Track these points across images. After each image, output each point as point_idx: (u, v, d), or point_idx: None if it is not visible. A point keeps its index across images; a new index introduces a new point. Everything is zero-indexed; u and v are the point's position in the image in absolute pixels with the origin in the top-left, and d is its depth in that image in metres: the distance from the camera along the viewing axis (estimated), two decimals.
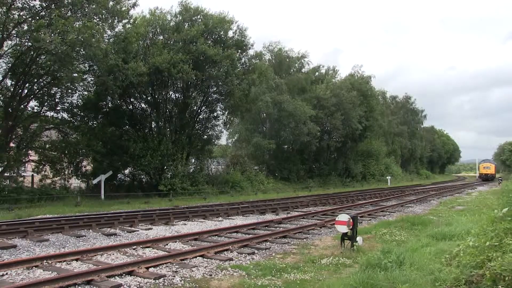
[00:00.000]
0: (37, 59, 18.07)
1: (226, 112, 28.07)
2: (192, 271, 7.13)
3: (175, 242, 9.73)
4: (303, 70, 42.02)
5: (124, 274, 6.71)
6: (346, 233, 8.83)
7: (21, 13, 16.98)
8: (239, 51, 25.88)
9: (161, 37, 24.27)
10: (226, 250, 8.87)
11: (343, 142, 41.35)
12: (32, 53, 17.54)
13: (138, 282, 6.40)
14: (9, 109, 18.57)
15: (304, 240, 10.53)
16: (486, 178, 65.80)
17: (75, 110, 22.38)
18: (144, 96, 25.29)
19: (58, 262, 7.45)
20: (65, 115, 22.21)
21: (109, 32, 19.86)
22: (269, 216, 15.49)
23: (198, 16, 24.60)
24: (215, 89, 26.23)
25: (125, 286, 6.19)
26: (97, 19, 18.43)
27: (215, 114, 28.17)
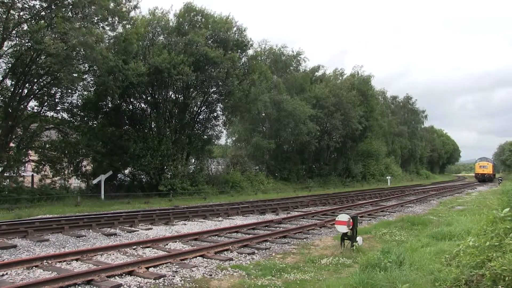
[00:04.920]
0: (37, 59, 18.07)
1: (226, 112, 28.07)
2: (192, 271, 7.13)
3: (175, 242, 9.73)
4: (299, 68, 41.96)
5: (124, 274, 6.71)
6: (346, 233, 8.83)
7: (21, 13, 16.98)
8: (239, 51, 25.91)
9: (161, 37, 24.28)
10: (226, 250, 8.87)
11: (343, 142, 41.35)
12: (32, 53, 17.54)
13: (138, 282, 6.40)
14: (9, 109, 18.56)
15: (304, 240, 10.53)
16: (483, 179, 56.71)
17: (75, 110, 22.40)
18: (144, 96, 25.30)
19: (58, 262, 7.45)
20: (65, 115, 22.26)
21: (109, 33, 19.87)
22: (269, 216, 15.48)
23: (200, 18, 24.58)
24: (215, 89, 26.23)
25: (125, 286, 6.19)
26: (98, 20, 18.42)
27: (215, 114, 28.20)
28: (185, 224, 13.19)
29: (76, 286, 6.06)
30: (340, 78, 44.43)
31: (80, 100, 22.46)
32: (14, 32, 16.95)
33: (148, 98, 25.31)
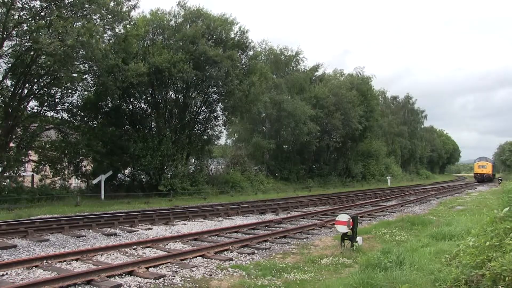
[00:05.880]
0: (37, 59, 18.06)
1: (226, 112, 28.08)
2: (192, 271, 7.13)
3: (175, 242, 9.73)
4: (298, 67, 41.90)
5: (124, 274, 6.71)
6: (346, 233, 8.83)
7: (21, 13, 16.98)
8: (240, 51, 25.90)
9: (161, 37, 24.28)
10: (226, 250, 8.87)
11: (343, 142, 41.35)
12: (32, 53, 17.53)
13: (138, 282, 6.40)
14: (9, 109, 18.55)
15: (304, 240, 10.54)
16: (482, 179, 56.77)
17: (75, 110, 22.39)
18: (144, 96, 25.28)
19: (58, 262, 7.45)
20: (65, 115, 22.24)
21: (109, 32, 19.85)
22: (269, 216, 15.49)
23: (200, 18, 24.58)
24: (215, 89, 26.23)
25: (125, 286, 6.19)
26: (98, 20, 18.42)
27: (215, 114, 28.19)
28: (185, 224, 13.19)
29: (76, 286, 6.06)
30: (340, 78, 44.45)
31: (80, 100, 22.46)
32: (14, 32, 16.94)
33: (148, 98, 25.30)
